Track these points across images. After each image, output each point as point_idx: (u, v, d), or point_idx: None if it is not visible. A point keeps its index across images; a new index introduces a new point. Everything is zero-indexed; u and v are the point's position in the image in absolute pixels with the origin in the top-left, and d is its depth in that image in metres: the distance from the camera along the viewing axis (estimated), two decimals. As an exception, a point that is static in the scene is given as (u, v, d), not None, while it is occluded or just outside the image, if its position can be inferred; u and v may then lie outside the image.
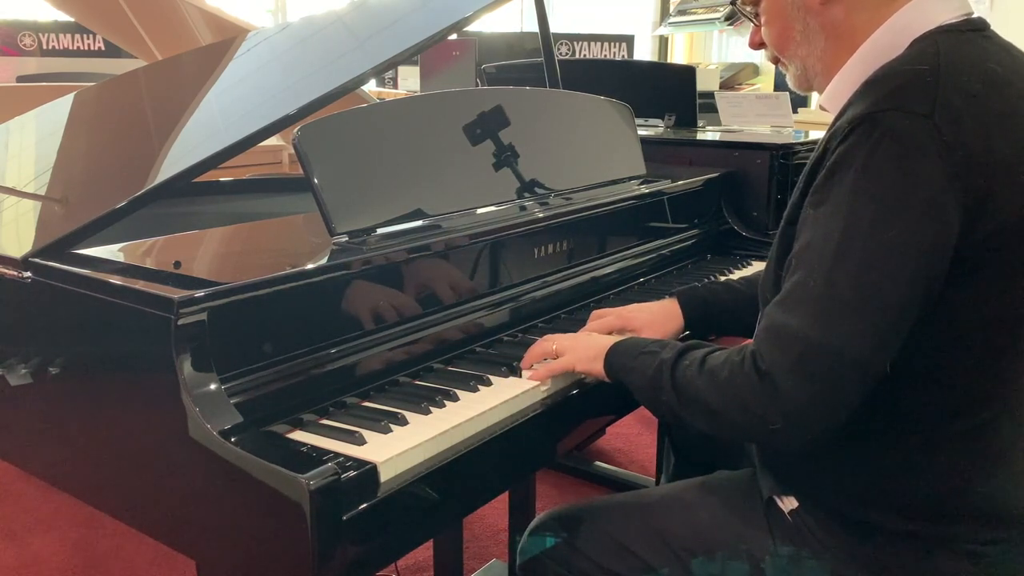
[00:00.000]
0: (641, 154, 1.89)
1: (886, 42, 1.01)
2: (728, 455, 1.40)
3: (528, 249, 1.49)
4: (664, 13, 6.71)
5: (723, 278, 1.78)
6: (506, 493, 1.98)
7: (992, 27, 1.04)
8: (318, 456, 0.96)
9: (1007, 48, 1.02)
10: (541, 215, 1.50)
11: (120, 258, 1.19)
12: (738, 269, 1.89)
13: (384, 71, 1.80)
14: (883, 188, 0.91)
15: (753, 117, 2.75)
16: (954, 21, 1.00)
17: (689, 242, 1.97)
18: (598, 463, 2.67)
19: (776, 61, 1.16)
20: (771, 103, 2.75)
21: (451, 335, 1.31)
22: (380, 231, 1.27)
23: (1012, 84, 0.97)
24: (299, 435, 1.03)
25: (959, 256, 0.93)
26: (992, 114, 0.94)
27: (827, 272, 0.93)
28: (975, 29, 1.01)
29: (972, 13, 1.03)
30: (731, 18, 5.37)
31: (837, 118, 1.01)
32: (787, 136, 2.41)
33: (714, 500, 1.19)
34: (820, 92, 1.12)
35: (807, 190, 1.00)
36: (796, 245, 0.99)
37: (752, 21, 1.17)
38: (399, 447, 0.99)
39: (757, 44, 1.17)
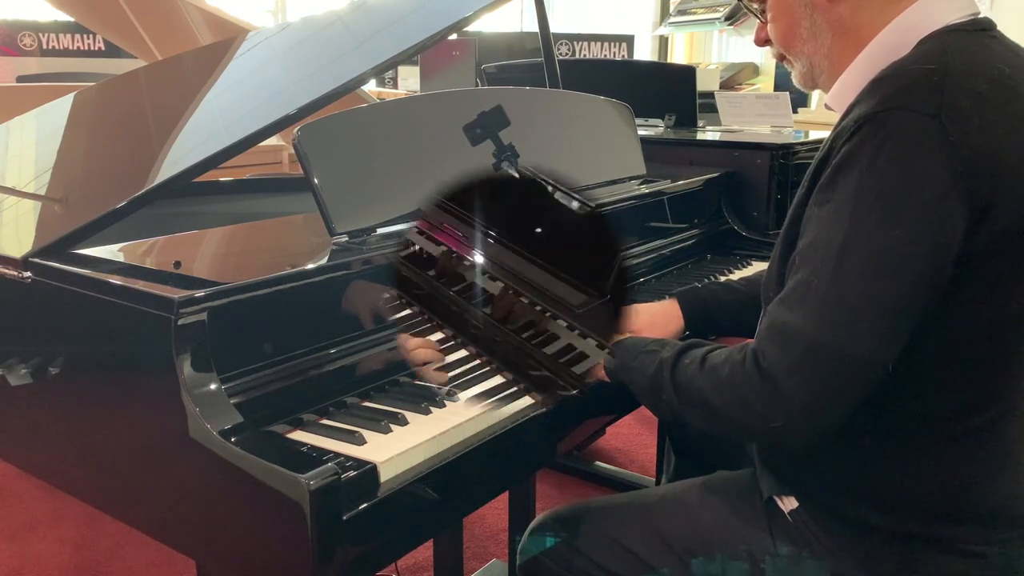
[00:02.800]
0: (641, 154, 1.88)
1: (893, 41, 1.01)
2: (728, 455, 1.40)
3: (528, 249, 1.48)
4: (664, 13, 6.70)
5: (723, 278, 1.78)
6: (506, 493, 1.97)
7: (995, 27, 1.04)
8: (318, 456, 0.96)
9: (1014, 49, 1.02)
10: (541, 215, 1.50)
11: (120, 258, 1.19)
12: (738, 269, 1.89)
13: (384, 71, 1.80)
14: (888, 188, 0.91)
15: (753, 117, 2.75)
16: (961, 21, 1.00)
17: (689, 242, 1.96)
18: (598, 463, 2.67)
19: (781, 58, 1.15)
20: (771, 103, 2.75)
21: (451, 335, 1.31)
22: (380, 231, 1.26)
23: (1019, 85, 0.97)
24: (299, 435, 1.03)
25: (964, 256, 0.92)
26: (999, 114, 0.93)
27: (831, 271, 0.93)
28: (982, 29, 1.01)
29: (979, 13, 1.02)
30: (731, 18, 5.37)
31: (843, 117, 1.01)
32: (787, 136, 2.41)
33: (714, 500, 1.19)
34: (826, 90, 1.11)
35: (812, 188, 1.00)
36: (800, 243, 0.99)
37: (758, 17, 1.16)
38: (399, 447, 0.99)
39: (763, 41, 1.17)
